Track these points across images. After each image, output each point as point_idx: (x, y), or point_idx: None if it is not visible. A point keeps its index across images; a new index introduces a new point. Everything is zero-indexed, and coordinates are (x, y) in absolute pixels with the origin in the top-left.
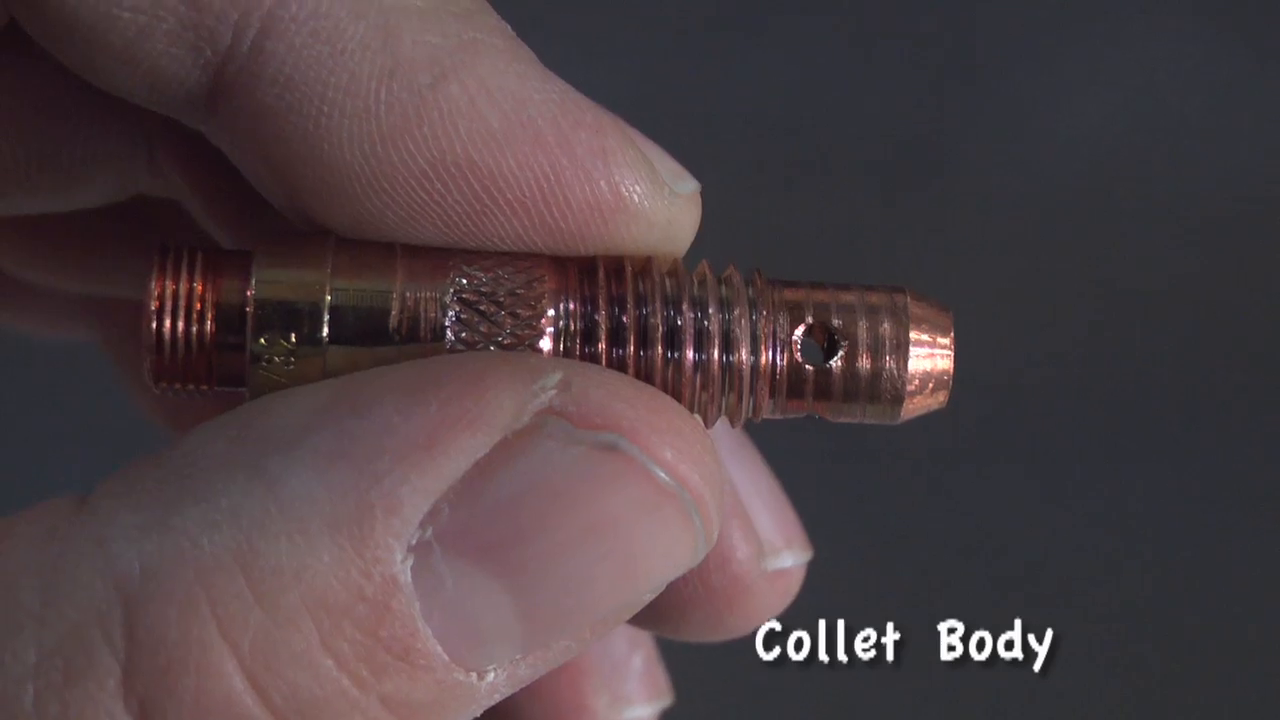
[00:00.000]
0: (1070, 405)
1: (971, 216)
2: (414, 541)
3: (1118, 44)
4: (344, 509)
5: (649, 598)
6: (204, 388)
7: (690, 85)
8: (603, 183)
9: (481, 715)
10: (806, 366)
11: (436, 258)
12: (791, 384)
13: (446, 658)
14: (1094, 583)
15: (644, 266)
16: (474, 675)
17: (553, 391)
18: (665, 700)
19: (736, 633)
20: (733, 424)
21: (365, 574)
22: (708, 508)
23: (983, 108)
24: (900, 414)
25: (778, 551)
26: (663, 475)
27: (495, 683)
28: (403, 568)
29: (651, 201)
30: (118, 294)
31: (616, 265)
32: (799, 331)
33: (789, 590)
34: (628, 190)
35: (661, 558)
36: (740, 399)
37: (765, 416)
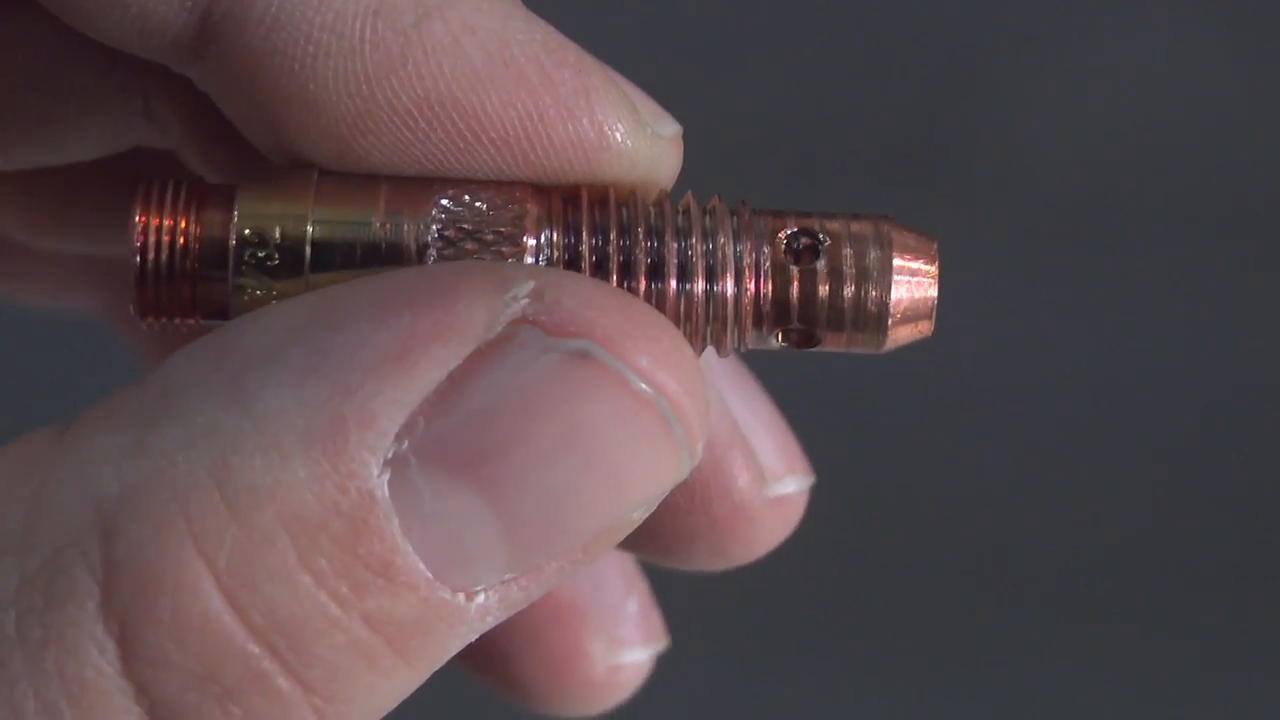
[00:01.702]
0: (1073, 404)
1: (973, 216)
2: (390, 455)
3: (1120, 44)
4: (318, 424)
5: (639, 515)
6: (190, 321)
7: (691, 85)
8: (585, 121)
9: (478, 659)
10: (790, 267)
11: (419, 186)
12: (777, 303)
13: (430, 575)
14: (1093, 582)
15: (628, 196)
16: (461, 596)
17: (525, 300)
18: (661, 643)
19: (741, 561)
20: (720, 354)
21: (341, 489)
22: (688, 416)
23: (985, 108)
24: (885, 342)
25: (780, 478)
26: (638, 383)
27: (486, 605)
28: (379, 482)
29: (634, 141)
30: (117, 253)
31: (600, 195)
32: (785, 232)
33: (792, 516)
34: (610, 129)
35: (644, 470)
36: (725, 328)
37: (751, 346)
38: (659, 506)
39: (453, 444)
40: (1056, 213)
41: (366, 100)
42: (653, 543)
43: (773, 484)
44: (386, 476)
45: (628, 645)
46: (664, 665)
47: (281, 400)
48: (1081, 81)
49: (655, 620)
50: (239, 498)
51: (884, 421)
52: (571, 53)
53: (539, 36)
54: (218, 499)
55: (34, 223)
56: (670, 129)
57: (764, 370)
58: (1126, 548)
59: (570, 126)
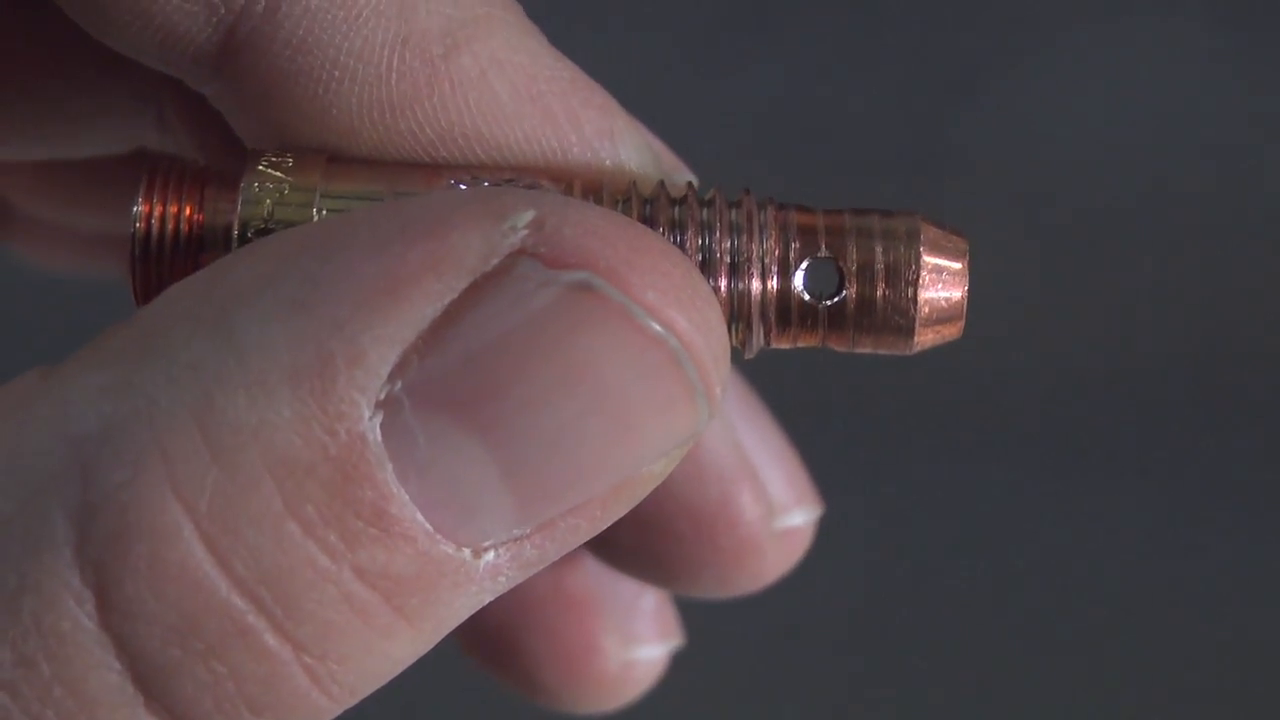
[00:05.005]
0: (1074, 404)
1: (975, 218)
2: (382, 396)
3: (1123, 45)
4: (304, 360)
5: (659, 468)
6: None
7: (693, 88)
8: (609, 162)
9: (487, 652)
10: (815, 301)
11: (431, 170)
12: (803, 312)
13: (429, 527)
14: (1091, 581)
15: (654, 192)
16: (467, 551)
17: (524, 231)
18: (675, 640)
19: (747, 590)
20: (744, 354)
21: (329, 430)
22: (702, 357)
23: (988, 110)
24: (913, 344)
25: (788, 509)
26: (644, 318)
27: (497, 563)
28: (370, 425)
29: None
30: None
31: (623, 187)
32: (805, 263)
33: (799, 547)
34: (633, 171)
35: (656, 415)
36: (750, 328)
37: (776, 346)
38: (664, 535)
39: (448, 383)
40: (1060, 213)
41: (389, 129)
42: (658, 571)
43: (781, 516)
44: (379, 419)
45: (642, 641)
46: (678, 663)
47: (267, 334)
48: (1083, 81)
49: (670, 617)
50: (221, 438)
51: (894, 447)
52: (597, 93)
53: (566, 74)
54: (198, 439)
55: (44, 201)
56: (685, 179)
57: (772, 399)
58: (1152, 556)
59: (594, 166)
